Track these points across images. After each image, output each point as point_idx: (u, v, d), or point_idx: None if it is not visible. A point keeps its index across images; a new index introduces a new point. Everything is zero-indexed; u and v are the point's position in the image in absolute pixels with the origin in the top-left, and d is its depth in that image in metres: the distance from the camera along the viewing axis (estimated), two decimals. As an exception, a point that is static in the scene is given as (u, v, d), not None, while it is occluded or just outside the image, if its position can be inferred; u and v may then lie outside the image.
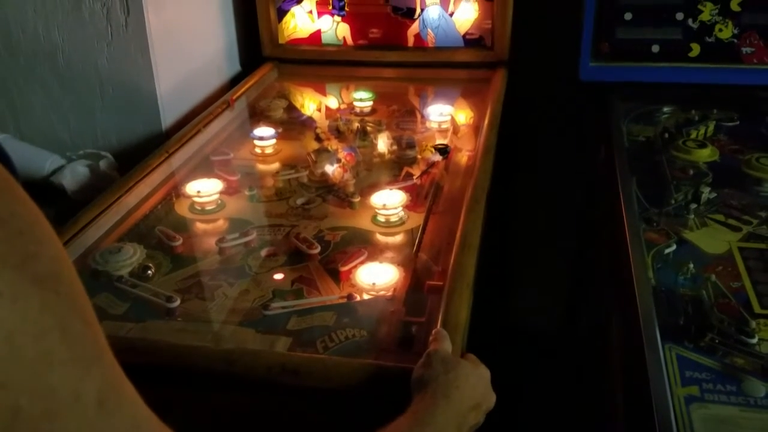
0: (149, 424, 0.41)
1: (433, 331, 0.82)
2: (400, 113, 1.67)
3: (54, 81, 1.48)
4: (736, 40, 1.54)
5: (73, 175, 1.36)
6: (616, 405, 1.03)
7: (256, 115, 1.65)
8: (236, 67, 1.87)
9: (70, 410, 0.34)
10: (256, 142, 1.47)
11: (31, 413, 0.32)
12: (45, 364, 0.33)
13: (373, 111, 1.67)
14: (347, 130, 1.53)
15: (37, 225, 0.36)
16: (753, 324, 0.89)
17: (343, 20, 1.84)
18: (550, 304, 2.04)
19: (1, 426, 0.31)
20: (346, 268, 1.04)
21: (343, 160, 1.36)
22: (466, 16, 1.77)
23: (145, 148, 1.42)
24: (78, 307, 0.37)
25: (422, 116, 1.64)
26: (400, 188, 1.25)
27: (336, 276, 1.03)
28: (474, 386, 0.74)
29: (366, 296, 0.99)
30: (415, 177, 1.31)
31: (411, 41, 1.82)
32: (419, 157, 1.40)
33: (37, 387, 0.33)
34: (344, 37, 1.85)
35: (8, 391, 0.32)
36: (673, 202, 1.20)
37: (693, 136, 1.45)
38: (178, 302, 0.97)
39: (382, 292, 0.99)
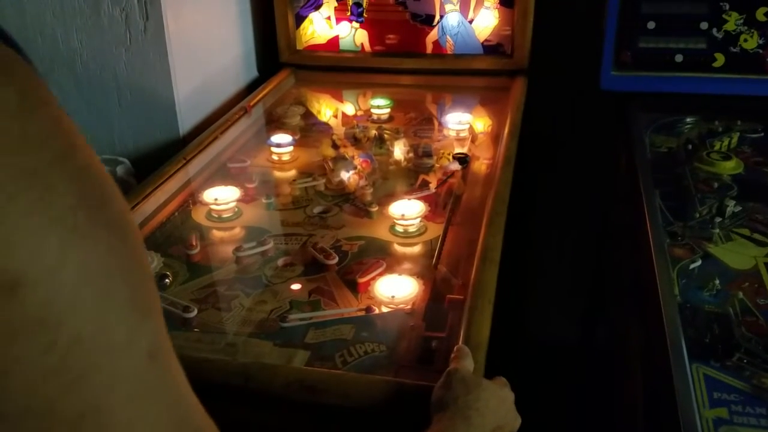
0: (191, 398, 0.41)
1: (455, 348, 0.80)
2: (417, 121, 1.65)
3: (72, 86, 1.47)
4: (761, 51, 1.52)
5: (90, 181, 1.36)
6: (637, 425, 1.01)
7: (273, 122, 1.64)
8: (253, 73, 1.86)
9: (123, 353, 0.35)
10: (273, 149, 1.46)
11: (90, 346, 0.33)
12: (107, 303, 0.34)
13: (391, 118, 1.65)
14: (364, 137, 1.52)
15: (108, 181, 0.37)
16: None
17: (361, 26, 1.82)
18: (567, 318, 2.01)
19: (61, 349, 0.31)
20: (364, 280, 1.02)
21: (359, 167, 1.35)
22: (485, 23, 1.76)
23: (162, 154, 1.42)
24: (140, 259, 0.38)
25: (440, 124, 1.62)
26: (418, 198, 1.24)
27: (354, 287, 1.02)
28: (495, 409, 0.72)
29: (385, 309, 0.97)
30: (432, 186, 1.30)
31: (429, 48, 1.80)
32: (437, 165, 1.38)
33: (99, 322, 0.33)
34: (362, 44, 1.84)
35: (76, 318, 0.32)
36: (697, 215, 1.18)
37: (717, 147, 1.43)
38: (195, 312, 0.96)
39: (401, 306, 0.97)
